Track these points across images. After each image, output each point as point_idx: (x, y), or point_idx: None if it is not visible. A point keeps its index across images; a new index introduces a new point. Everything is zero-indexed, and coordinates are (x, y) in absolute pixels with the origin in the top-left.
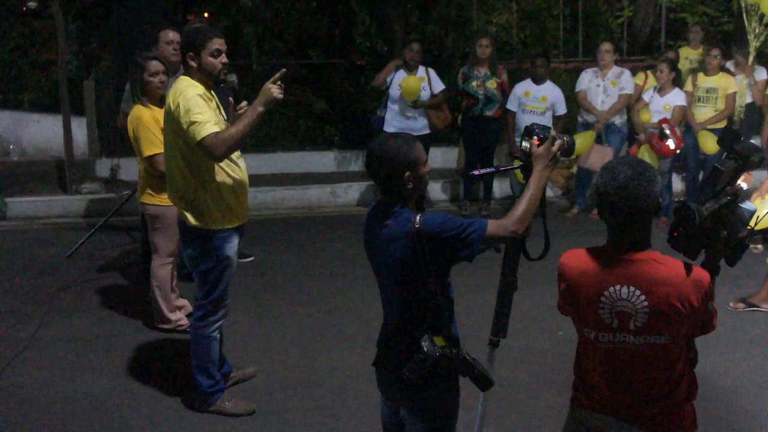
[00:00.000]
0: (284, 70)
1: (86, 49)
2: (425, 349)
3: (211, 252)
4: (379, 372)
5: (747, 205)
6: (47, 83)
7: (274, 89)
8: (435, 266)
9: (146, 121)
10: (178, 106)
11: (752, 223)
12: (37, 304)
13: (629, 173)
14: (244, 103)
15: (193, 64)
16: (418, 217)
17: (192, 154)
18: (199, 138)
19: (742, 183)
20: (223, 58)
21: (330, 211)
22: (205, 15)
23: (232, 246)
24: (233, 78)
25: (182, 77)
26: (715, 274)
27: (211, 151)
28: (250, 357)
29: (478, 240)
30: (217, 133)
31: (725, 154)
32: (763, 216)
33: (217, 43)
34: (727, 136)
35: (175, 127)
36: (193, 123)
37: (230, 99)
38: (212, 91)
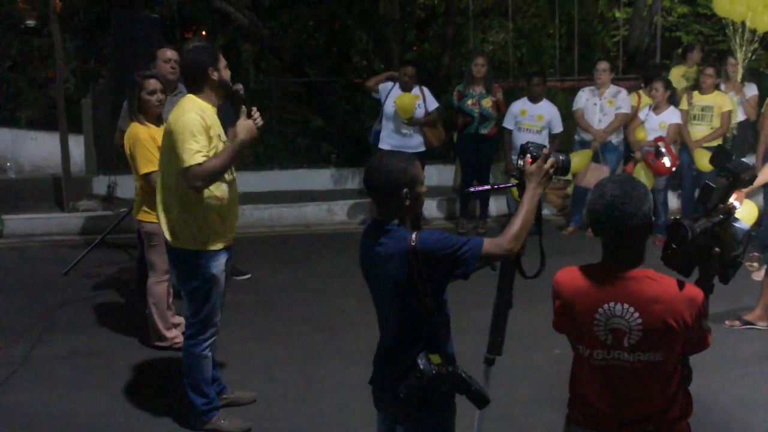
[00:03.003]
0: (247, 104)
1: (84, 67)
2: (421, 367)
3: (196, 271)
4: (376, 390)
5: (740, 224)
6: (45, 101)
7: (251, 125)
8: (431, 284)
9: (143, 139)
10: (174, 127)
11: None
12: (34, 322)
13: (617, 192)
14: (255, 112)
15: (215, 77)
16: (414, 235)
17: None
18: (185, 165)
19: (735, 201)
20: (228, 71)
21: (326, 229)
22: (203, 33)
23: (219, 265)
24: (240, 86)
25: (188, 96)
26: (709, 292)
27: (192, 181)
28: (244, 375)
29: (474, 258)
30: (201, 164)
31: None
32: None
33: (222, 57)
34: (719, 155)
35: (171, 146)
36: (185, 149)
37: (243, 107)
38: (219, 106)
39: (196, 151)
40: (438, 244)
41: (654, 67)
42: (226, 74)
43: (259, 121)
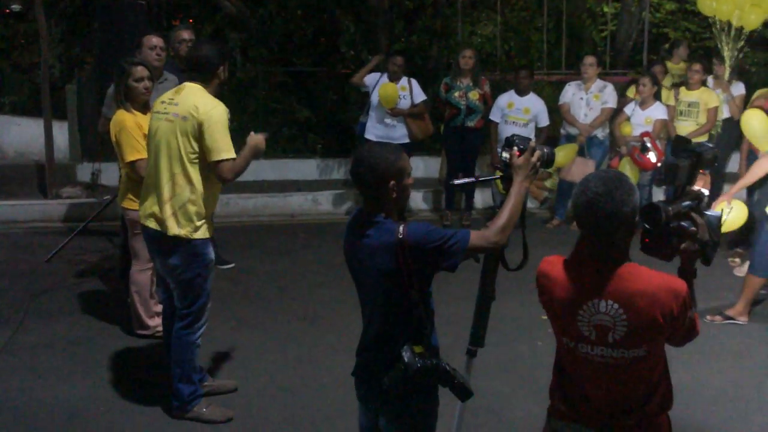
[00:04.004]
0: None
1: (69, 52)
2: (406, 359)
3: (196, 259)
4: (359, 381)
5: (712, 212)
6: (29, 86)
7: (261, 142)
8: (418, 277)
9: (129, 127)
10: (211, 118)
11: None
12: (15, 309)
13: (599, 190)
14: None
15: (222, 76)
16: (401, 228)
17: (195, 163)
18: (219, 158)
19: (704, 189)
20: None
21: (311, 219)
22: (189, 21)
23: (212, 250)
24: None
25: (199, 87)
26: (693, 276)
27: (225, 175)
28: (228, 364)
29: (461, 251)
30: (234, 159)
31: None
32: (729, 220)
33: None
34: (679, 142)
35: (194, 136)
36: (219, 141)
37: None
38: None
39: (229, 145)
40: (426, 236)
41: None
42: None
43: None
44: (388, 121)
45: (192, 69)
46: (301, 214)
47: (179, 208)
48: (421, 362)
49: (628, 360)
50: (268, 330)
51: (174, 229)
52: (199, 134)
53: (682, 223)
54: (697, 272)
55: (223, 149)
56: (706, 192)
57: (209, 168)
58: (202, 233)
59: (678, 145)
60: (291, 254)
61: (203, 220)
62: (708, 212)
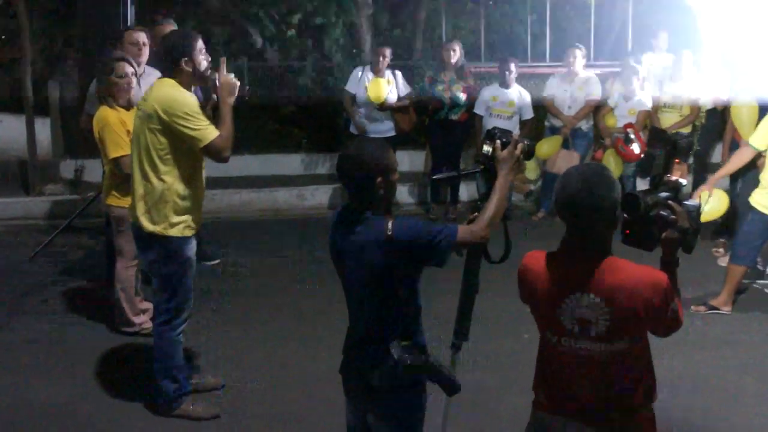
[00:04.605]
0: (224, 58)
1: (51, 48)
2: (395, 356)
3: (172, 255)
4: (346, 378)
5: (690, 201)
6: (11, 82)
7: (230, 78)
8: (407, 273)
9: (112, 123)
10: (176, 111)
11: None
12: None
13: (579, 185)
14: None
15: (189, 68)
16: (390, 224)
17: (166, 160)
18: (207, 141)
19: (681, 179)
20: (207, 56)
21: (297, 214)
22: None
23: (192, 247)
24: (215, 76)
25: (166, 80)
26: (675, 265)
27: (221, 152)
28: (214, 361)
29: (450, 246)
30: (220, 135)
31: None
32: (708, 209)
33: (201, 43)
34: (654, 134)
35: (166, 133)
36: (197, 128)
37: (213, 96)
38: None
39: (207, 125)
40: (415, 233)
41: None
42: (203, 61)
43: (234, 79)
44: (375, 115)
45: (161, 62)
46: (286, 209)
47: (153, 205)
48: (411, 358)
49: (611, 353)
50: (254, 326)
51: (149, 226)
52: (170, 131)
53: (662, 212)
54: (681, 262)
55: (203, 132)
56: (683, 182)
57: (191, 162)
58: (179, 231)
59: (653, 136)
60: (277, 249)
61: (181, 217)
62: (686, 202)
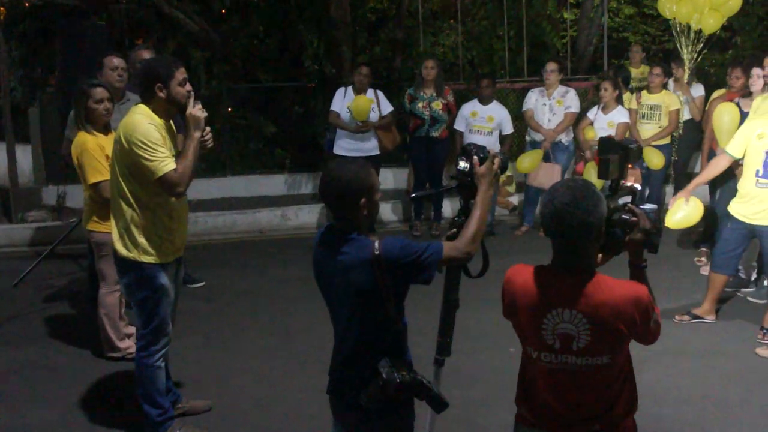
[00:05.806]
0: (192, 92)
1: (31, 75)
2: (384, 375)
3: (145, 281)
4: (334, 398)
5: (647, 206)
6: None
7: (196, 112)
8: (394, 291)
9: (90, 148)
10: (133, 139)
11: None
12: None
13: (566, 200)
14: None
15: (162, 95)
16: (377, 244)
17: (133, 186)
18: (160, 174)
19: (636, 184)
20: (188, 86)
21: (281, 235)
22: (150, 42)
23: (167, 275)
24: (198, 105)
25: (139, 106)
26: (644, 266)
27: (173, 187)
28: (200, 382)
29: (436, 263)
30: (175, 169)
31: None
32: (684, 216)
33: (183, 72)
34: (603, 145)
35: (127, 160)
36: (152, 160)
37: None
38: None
39: (164, 157)
40: (401, 251)
41: (620, 68)
42: (182, 91)
43: (202, 113)
44: (359, 134)
45: (138, 88)
46: (270, 229)
47: (125, 230)
48: (400, 377)
49: (592, 367)
50: (240, 347)
51: (122, 251)
52: (130, 157)
53: (623, 216)
54: (664, 273)
55: (157, 164)
56: (638, 187)
57: (155, 190)
58: (152, 258)
59: (603, 144)
60: (261, 270)
61: (153, 243)
62: (643, 206)
